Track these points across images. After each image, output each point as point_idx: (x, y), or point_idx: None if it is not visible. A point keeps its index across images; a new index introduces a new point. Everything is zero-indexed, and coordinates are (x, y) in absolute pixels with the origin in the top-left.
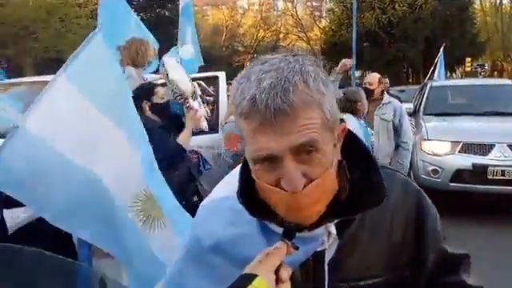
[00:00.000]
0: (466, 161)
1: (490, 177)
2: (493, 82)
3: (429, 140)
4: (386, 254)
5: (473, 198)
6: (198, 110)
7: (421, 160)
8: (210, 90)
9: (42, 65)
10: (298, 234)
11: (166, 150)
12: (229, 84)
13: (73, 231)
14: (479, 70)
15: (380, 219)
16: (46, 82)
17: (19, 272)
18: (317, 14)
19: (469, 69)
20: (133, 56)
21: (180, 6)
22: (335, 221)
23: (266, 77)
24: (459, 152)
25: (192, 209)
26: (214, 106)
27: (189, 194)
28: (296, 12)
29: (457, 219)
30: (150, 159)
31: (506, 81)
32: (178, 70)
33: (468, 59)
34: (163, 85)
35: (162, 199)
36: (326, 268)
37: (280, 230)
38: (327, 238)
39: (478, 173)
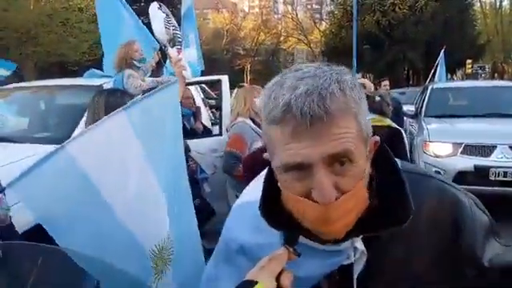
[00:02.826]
0: (468, 162)
1: (492, 178)
2: (494, 84)
3: (430, 142)
4: (421, 269)
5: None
6: (179, 57)
7: (423, 162)
8: (213, 93)
9: (43, 69)
10: (322, 247)
11: None
12: (240, 86)
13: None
14: (480, 71)
15: (414, 231)
16: (41, 87)
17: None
18: (317, 16)
19: (469, 71)
20: (124, 59)
21: (182, 11)
22: (360, 236)
23: (301, 83)
24: (461, 154)
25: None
26: (217, 109)
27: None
28: (296, 15)
29: None
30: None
31: (506, 83)
32: (156, 19)
33: (469, 61)
34: None
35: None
36: (355, 282)
37: (305, 240)
38: (354, 253)
39: (480, 174)
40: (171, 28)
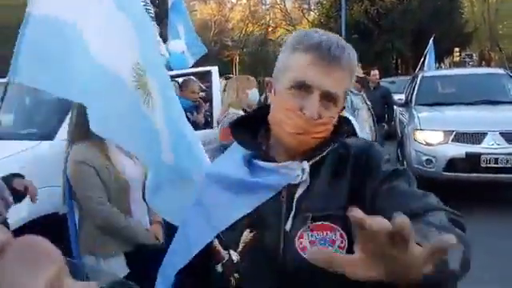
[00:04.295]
0: (459, 150)
1: (483, 165)
2: (482, 71)
3: (421, 130)
4: (347, 190)
5: (466, 187)
6: None
7: (414, 150)
8: (202, 85)
9: None
10: (275, 164)
11: None
12: (227, 78)
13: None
14: (467, 59)
15: (344, 161)
16: None
17: None
18: (305, 7)
19: (457, 59)
20: None
21: (170, 2)
22: (311, 161)
23: (323, 34)
24: (452, 141)
25: None
26: (206, 101)
27: None
28: (284, 5)
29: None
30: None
31: (495, 70)
32: None
33: (456, 49)
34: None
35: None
36: (295, 200)
37: (262, 163)
38: (301, 175)
39: (472, 161)
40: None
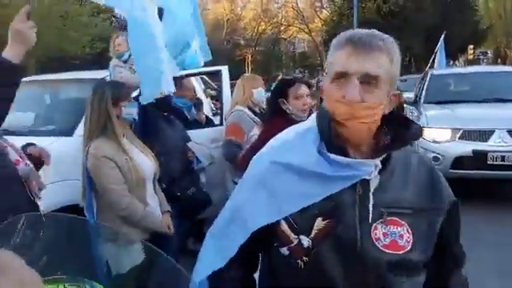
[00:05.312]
0: (466, 147)
1: (490, 162)
2: (492, 69)
3: (429, 128)
4: (415, 193)
5: (473, 184)
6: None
7: (421, 148)
8: (213, 84)
9: (44, 64)
10: (352, 160)
11: (169, 139)
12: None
13: None
14: (482, 57)
15: (406, 167)
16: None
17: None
18: (317, 4)
19: (471, 56)
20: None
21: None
22: (381, 157)
23: (360, 30)
24: (459, 139)
25: (187, 200)
26: (217, 100)
27: (185, 185)
28: (297, 3)
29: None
30: None
31: (504, 67)
32: None
33: (470, 46)
34: None
35: None
36: (371, 194)
37: (337, 157)
38: (374, 170)
39: (478, 159)
40: None
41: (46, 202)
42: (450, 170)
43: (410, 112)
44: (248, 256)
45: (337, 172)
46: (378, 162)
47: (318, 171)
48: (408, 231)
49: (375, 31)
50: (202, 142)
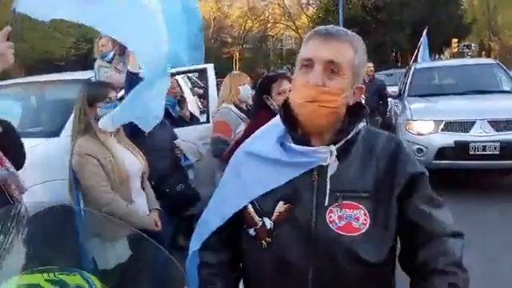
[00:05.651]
0: (449, 138)
1: (471, 152)
2: (473, 62)
3: (413, 120)
4: (373, 178)
5: (456, 174)
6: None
7: (405, 140)
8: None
9: (30, 66)
10: (307, 148)
11: (156, 137)
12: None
13: None
14: (466, 50)
15: (370, 152)
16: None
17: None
18: (304, 1)
19: (456, 50)
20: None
21: None
22: (338, 144)
23: (328, 26)
24: (442, 130)
25: (175, 196)
26: (204, 98)
27: (173, 181)
28: (283, 0)
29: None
30: None
31: (485, 60)
32: None
33: (454, 40)
34: None
35: None
36: (328, 180)
37: (295, 146)
38: (329, 157)
39: (460, 149)
40: None
41: (33, 203)
42: (434, 161)
43: (394, 106)
44: (226, 241)
45: (292, 159)
46: (333, 148)
47: (275, 158)
48: (365, 214)
49: (340, 27)
50: (190, 139)
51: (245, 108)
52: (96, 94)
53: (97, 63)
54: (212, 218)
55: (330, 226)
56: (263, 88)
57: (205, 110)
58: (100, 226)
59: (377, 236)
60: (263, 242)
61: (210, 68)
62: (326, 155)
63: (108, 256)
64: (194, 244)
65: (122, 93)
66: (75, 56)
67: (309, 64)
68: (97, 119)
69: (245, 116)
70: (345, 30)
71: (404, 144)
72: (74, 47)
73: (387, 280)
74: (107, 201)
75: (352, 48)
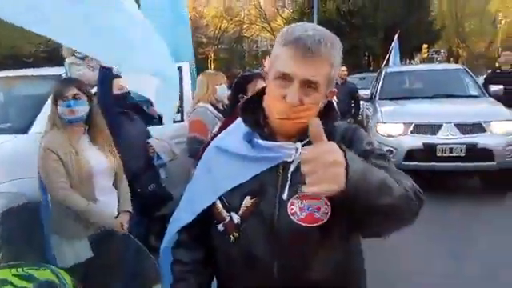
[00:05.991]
0: (417, 141)
1: (439, 154)
2: (441, 67)
3: (383, 123)
4: None
5: (422, 176)
6: None
7: (376, 142)
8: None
9: None
10: (273, 144)
11: (129, 135)
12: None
13: None
14: (435, 56)
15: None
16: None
17: None
18: (279, 4)
19: (425, 55)
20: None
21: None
22: (305, 141)
23: (309, 28)
24: (411, 133)
25: (147, 196)
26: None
27: (145, 181)
28: (259, 2)
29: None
30: None
31: (453, 65)
32: None
33: (424, 46)
34: (118, 76)
35: None
36: (289, 174)
37: (262, 142)
38: (294, 153)
39: (428, 151)
40: None
41: (2, 201)
42: (403, 163)
43: (366, 108)
44: (198, 238)
45: (258, 154)
46: (298, 145)
47: (243, 154)
48: (326, 203)
49: (325, 31)
50: (163, 138)
51: (221, 108)
52: (60, 92)
53: (67, 60)
54: (183, 215)
55: (292, 218)
56: (239, 87)
57: (179, 109)
58: (59, 223)
59: (339, 224)
60: (231, 236)
61: (185, 67)
62: (291, 151)
63: (66, 254)
64: (166, 240)
65: (94, 89)
66: (44, 53)
67: (285, 78)
68: (61, 117)
69: (221, 116)
70: (327, 37)
71: (362, 131)
72: (44, 44)
73: (354, 267)
74: (62, 197)
75: (329, 64)
